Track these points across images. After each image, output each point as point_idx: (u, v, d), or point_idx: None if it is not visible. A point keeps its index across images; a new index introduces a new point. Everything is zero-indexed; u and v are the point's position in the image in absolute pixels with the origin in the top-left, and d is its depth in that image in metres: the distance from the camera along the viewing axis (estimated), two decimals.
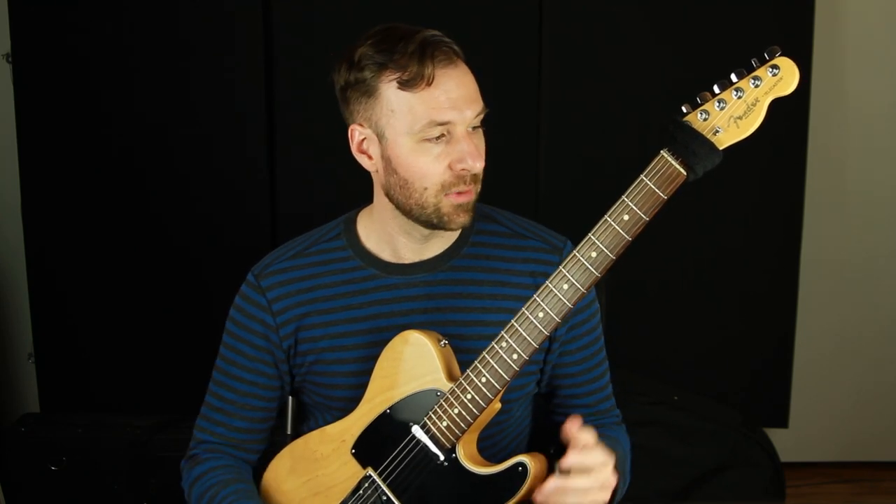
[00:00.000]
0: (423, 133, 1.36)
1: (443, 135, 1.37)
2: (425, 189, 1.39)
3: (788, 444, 3.02)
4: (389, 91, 1.37)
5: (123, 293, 2.94)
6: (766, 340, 3.04)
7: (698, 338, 2.99)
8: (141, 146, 2.88)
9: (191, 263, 2.92)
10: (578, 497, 1.30)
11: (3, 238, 3.11)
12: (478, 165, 1.38)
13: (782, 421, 3.07)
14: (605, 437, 1.39)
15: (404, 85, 1.35)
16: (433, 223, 1.42)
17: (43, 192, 2.92)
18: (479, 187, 1.42)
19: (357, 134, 1.44)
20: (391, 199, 1.44)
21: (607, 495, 1.33)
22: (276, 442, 1.59)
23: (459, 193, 1.39)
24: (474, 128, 1.40)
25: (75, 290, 2.96)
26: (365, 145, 1.44)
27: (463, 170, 1.38)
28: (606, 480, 1.32)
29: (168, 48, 2.83)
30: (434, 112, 1.35)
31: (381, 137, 1.41)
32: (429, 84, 1.35)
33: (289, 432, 1.65)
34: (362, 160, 1.46)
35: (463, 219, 1.41)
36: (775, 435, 2.92)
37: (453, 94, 1.36)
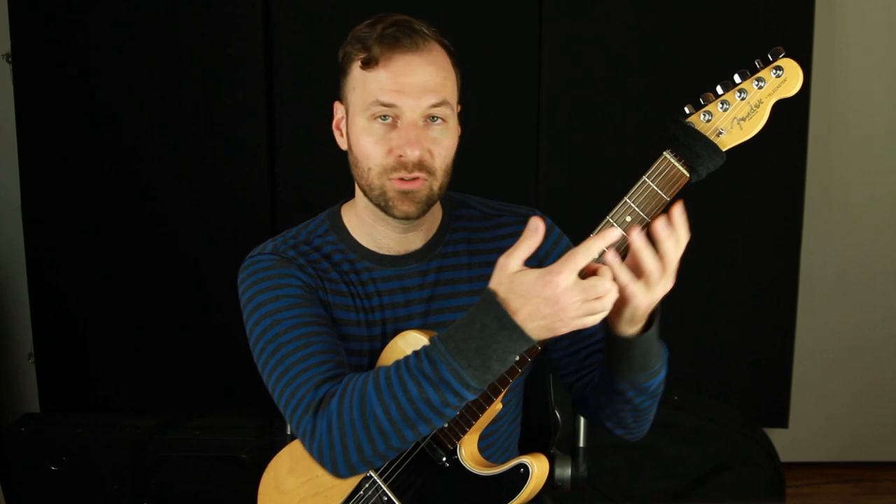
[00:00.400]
0: (370, 111, 1.39)
1: (390, 118, 1.38)
2: (369, 170, 1.41)
3: (788, 444, 3.02)
4: (355, 69, 1.41)
5: (123, 293, 2.94)
6: (766, 340, 3.03)
7: (698, 338, 2.99)
8: (141, 146, 2.88)
9: (191, 263, 2.92)
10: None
11: (3, 238, 3.10)
12: (414, 154, 1.37)
13: (782, 421, 3.07)
14: None
15: (364, 64, 1.39)
16: (382, 207, 1.42)
17: (43, 192, 2.91)
18: (437, 181, 1.41)
19: (338, 111, 1.48)
20: (355, 180, 1.47)
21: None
22: (275, 442, 1.58)
23: (403, 180, 1.39)
24: (433, 119, 1.40)
25: (75, 290, 2.95)
26: (342, 123, 1.48)
27: (400, 156, 1.38)
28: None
29: (168, 48, 2.83)
30: (379, 92, 1.37)
31: (347, 114, 1.45)
32: (377, 64, 1.37)
33: (289, 432, 1.64)
34: (336, 136, 1.49)
35: (407, 207, 1.41)
36: (775, 435, 2.91)
37: (403, 80, 1.37)
